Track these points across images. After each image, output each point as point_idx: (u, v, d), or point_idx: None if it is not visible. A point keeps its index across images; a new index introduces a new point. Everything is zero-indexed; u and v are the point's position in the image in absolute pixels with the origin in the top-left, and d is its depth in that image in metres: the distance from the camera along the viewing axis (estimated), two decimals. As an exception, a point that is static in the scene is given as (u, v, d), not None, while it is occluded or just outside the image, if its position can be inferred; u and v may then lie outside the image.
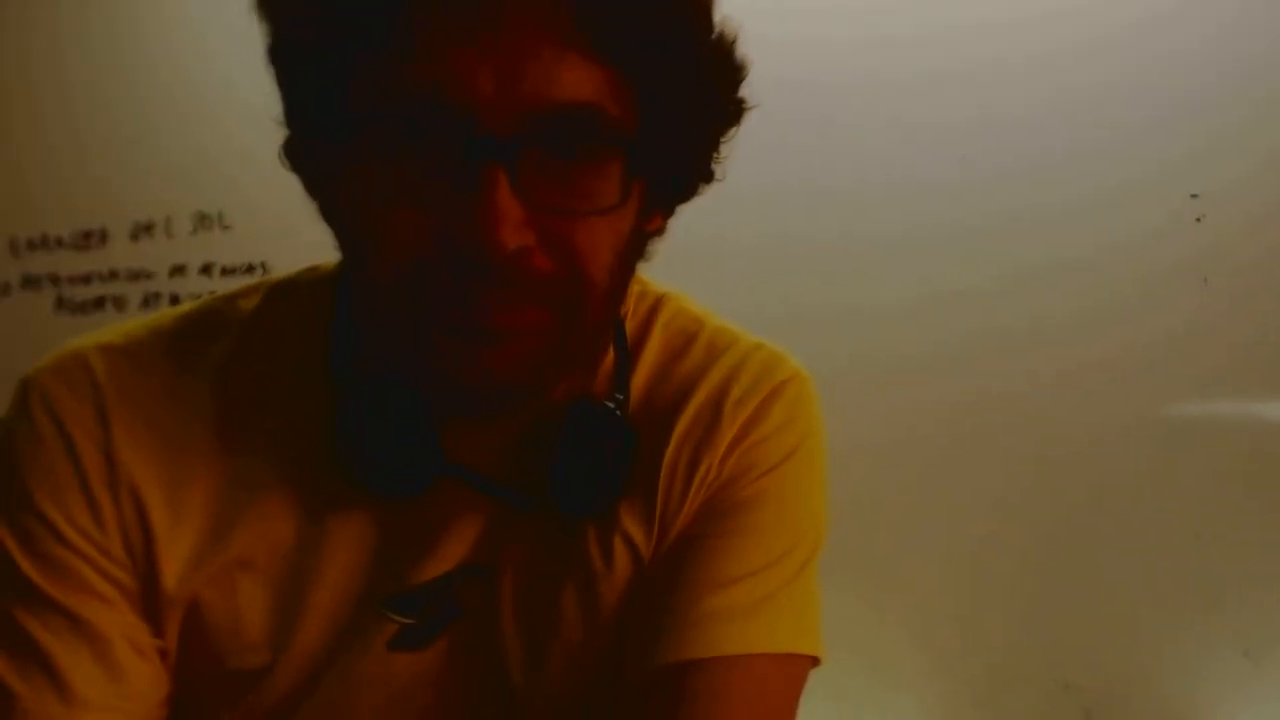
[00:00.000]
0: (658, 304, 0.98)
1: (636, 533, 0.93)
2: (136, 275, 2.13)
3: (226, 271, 2.10)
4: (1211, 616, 1.76)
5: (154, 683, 0.88)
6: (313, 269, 0.96)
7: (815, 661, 0.93)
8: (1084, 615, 1.80)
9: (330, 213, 0.86)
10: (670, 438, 0.93)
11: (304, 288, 0.95)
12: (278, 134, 0.83)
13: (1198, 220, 1.73)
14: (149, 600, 0.88)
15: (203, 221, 2.06)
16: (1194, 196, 1.73)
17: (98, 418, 0.87)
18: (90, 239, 2.13)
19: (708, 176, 0.89)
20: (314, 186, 0.86)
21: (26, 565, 0.85)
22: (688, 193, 0.89)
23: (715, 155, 0.88)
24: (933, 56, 1.84)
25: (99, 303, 2.16)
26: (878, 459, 1.77)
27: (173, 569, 0.88)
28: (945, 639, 1.83)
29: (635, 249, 0.86)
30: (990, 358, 1.79)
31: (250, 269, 2.09)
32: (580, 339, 0.83)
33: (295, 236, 1.75)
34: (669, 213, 0.90)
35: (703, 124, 0.86)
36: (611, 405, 0.92)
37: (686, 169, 0.88)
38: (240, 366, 0.90)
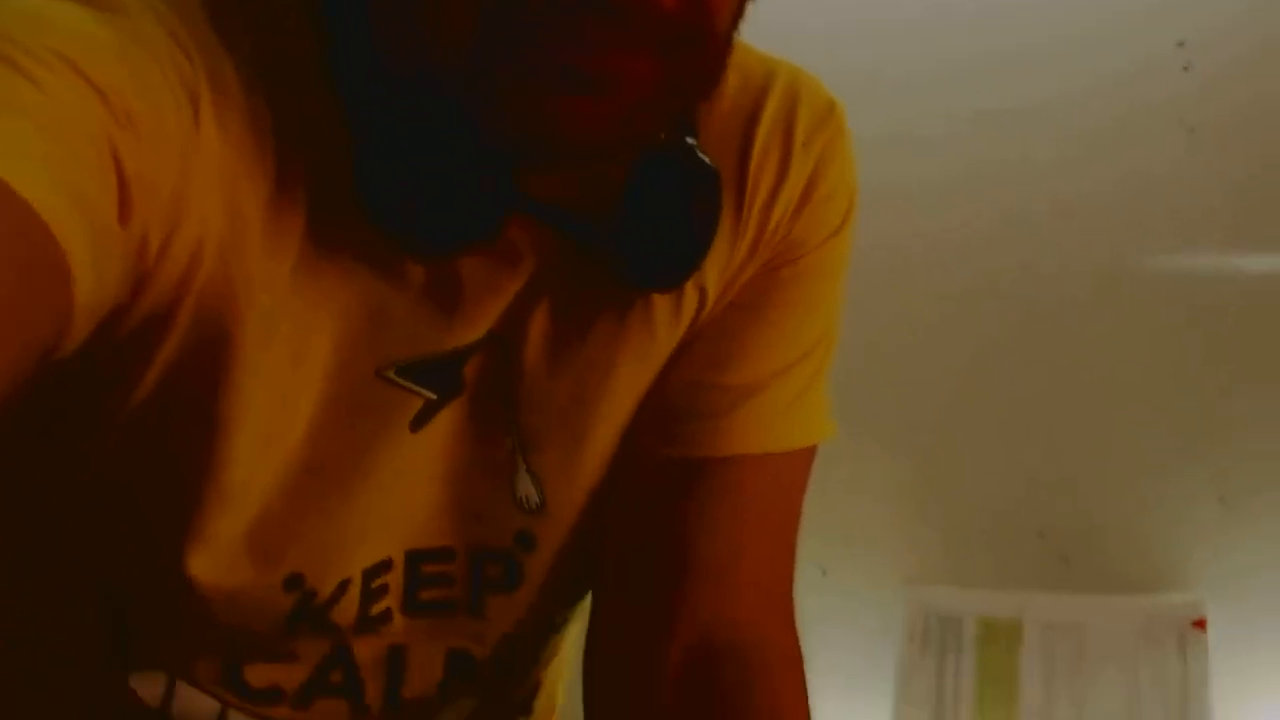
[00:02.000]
0: None
1: (712, 282, 0.84)
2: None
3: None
4: (1189, 464, 1.76)
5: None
6: None
7: None
8: (1060, 462, 1.80)
9: None
10: (745, 181, 0.83)
11: None
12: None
13: (1185, 69, 1.71)
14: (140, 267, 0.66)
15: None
16: (1180, 44, 1.71)
17: (186, 56, 0.66)
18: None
19: None
20: None
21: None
22: None
23: None
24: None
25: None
26: (857, 298, 1.76)
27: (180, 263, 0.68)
28: (919, 487, 1.84)
29: None
30: (965, 199, 1.77)
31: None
32: (689, 92, 0.72)
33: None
34: None
35: None
36: (694, 146, 0.79)
37: None
38: (240, 55, 0.70)
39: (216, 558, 0.77)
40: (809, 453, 0.89)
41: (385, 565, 0.84)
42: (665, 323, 0.84)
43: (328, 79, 0.71)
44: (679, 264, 0.80)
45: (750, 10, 0.71)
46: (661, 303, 0.83)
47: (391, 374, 0.78)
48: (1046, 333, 1.78)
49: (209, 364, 0.71)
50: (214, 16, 0.69)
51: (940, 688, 1.73)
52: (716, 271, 0.84)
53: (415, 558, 0.85)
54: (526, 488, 0.85)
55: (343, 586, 0.82)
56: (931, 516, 1.83)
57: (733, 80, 0.84)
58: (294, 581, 0.80)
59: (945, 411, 1.82)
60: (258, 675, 0.85)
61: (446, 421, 0.81)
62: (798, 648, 0.88)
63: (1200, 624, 1.71)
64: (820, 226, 0.87)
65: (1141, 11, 1.72)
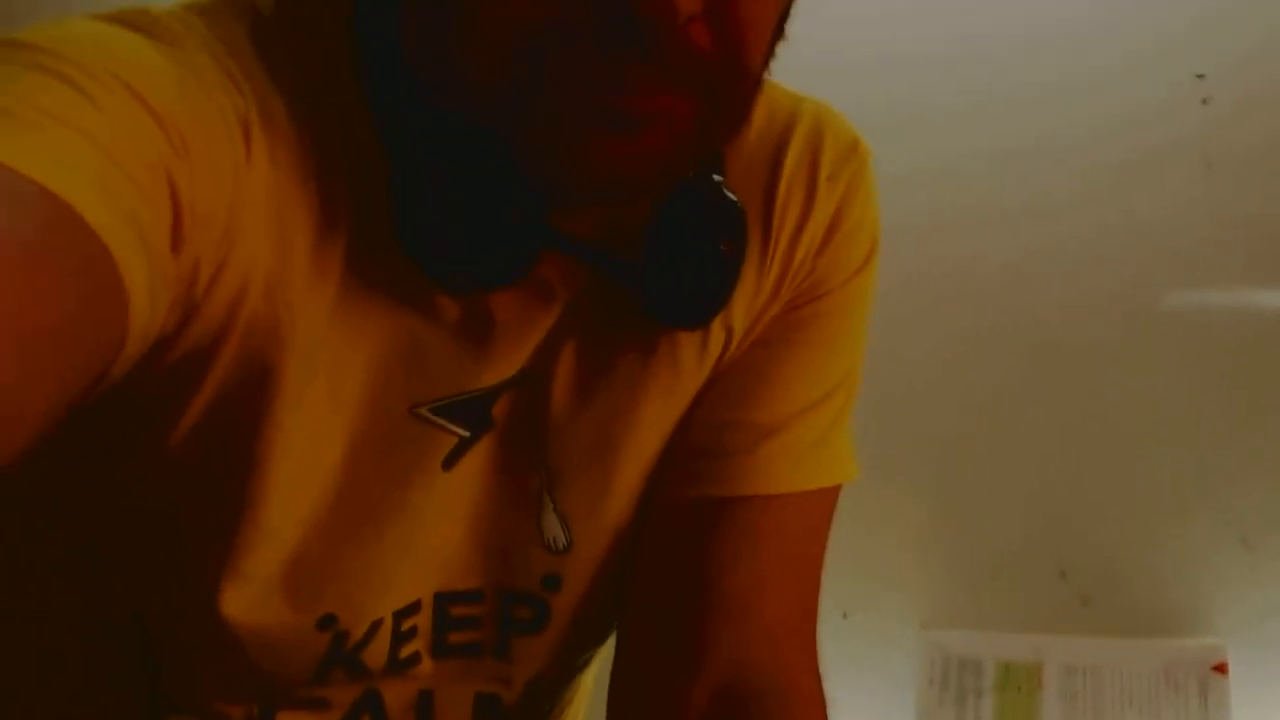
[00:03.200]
0: None
1: (738, 319, 0.84)
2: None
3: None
4: (1209, 504, 1.74)
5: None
6: None
7: None
8: (1080, 502, 1.78)
9: None
10: (770, 216, 0.84)
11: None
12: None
13: (1204, 102, 1.69)
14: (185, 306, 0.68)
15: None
16: (1200, 76, 1.69)
17: (237, 88, 0.68)
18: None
19: None
20: None
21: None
22: None
23: None
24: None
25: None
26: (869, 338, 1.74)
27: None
28: (937, 529, 1.82)
29: (783, 31, 0.73)
30: (982, 235, 1.75)
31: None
32: (721, 131, 0.73)
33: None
34: None
35: None
36: (720, 183, 0.79)
37: None
38: (285, 89, 0.70)
39: (251, 596, 0.77)
40: (833, 493, 0.89)
41: (414, 607, 0.84)
42: (691, 361, 0.84)
43: (367, 111, 0.72)
44: (705, 303, 0.81)
45: (780, 48, 0.73)
46: (688, 342, 0.83)
47: (425, 411, 0.78)
48: (1064, 371, 1.76)
49: (252, 398, 0.72)
50: (260, 49, 0.70)
51: (961, 732, 1.70)
52: (743, 309, 0.84)
53: (444, 600, 0.85)
54: (554, 528, 0.85)
55: (374, 627, 0.82)
56: (950, 558, 1.81)
57: (759, 116, 0.84)
58: (328, 621, 0.80)
59: (963, 452, 1.80)
60: None
61: (476, 460, 0.81)
62: (821, 689, 0.88)
63: (1221, 668, 1.69)
64: (845, 263, 0.88)
65: (1160, 45, 1.69)
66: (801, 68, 0.79)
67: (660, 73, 0.63)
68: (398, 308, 0.75)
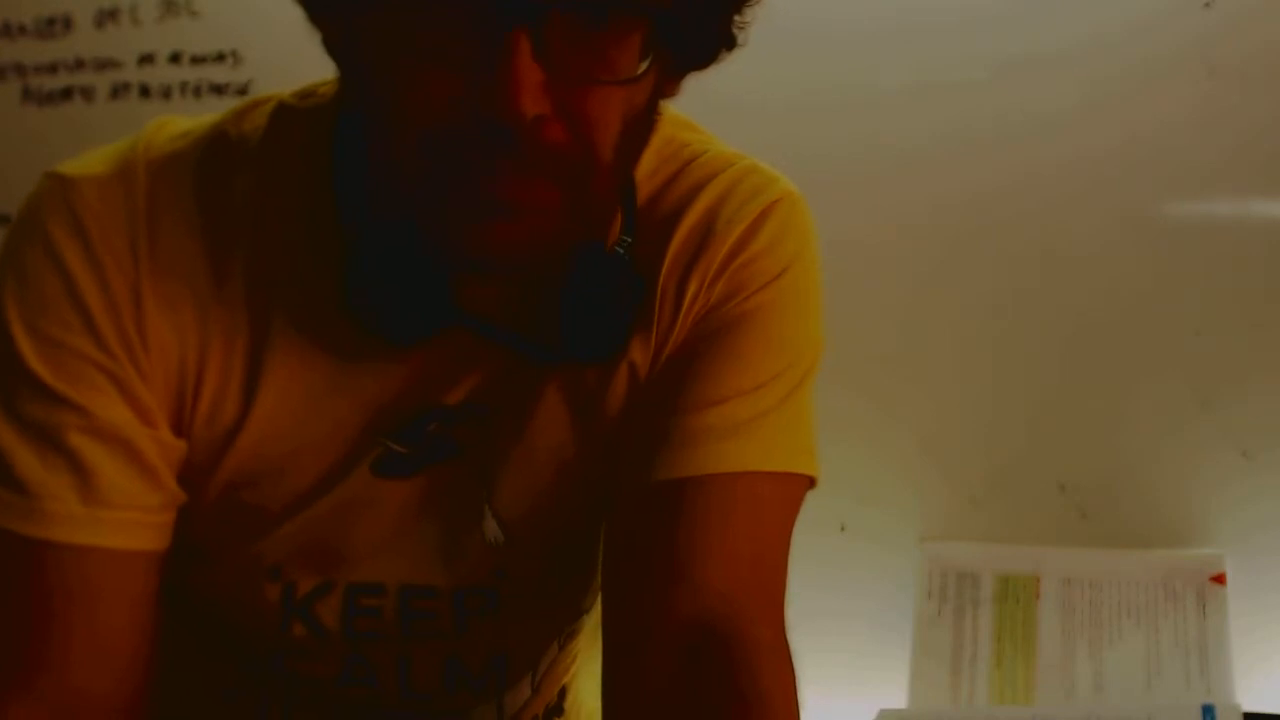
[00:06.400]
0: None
1: (639, 357, 0.95)
2: (104, 65, 2.07)
3: (197, 60, 2.02)
4: (1209, 415, 1.73)
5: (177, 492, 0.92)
6: (309, 94, 0.95)
7: (811, 483, 0.94)
8: (1080, 416, 1.78)
9: (338, 51, 0.86)
10: (664, 261, 0.95)
11: (304, 116, 0.94)
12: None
13: (1206, 6, 1.66)
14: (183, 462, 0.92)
15: (169, 8, 2.00)
16: (1205, -16, 1.66)
17: (130, 249, 0.87)
18: (54, 26, 2.08)
19: (731, 44, 0.88)
20: (322, 20, 0.85)
21: (46, 373, 0.86)
22: (709, 61, 0.89)
23: (740, 21, 0.87)
24: None
25: (66, 93, 2.10)
26: (876, 254, 1.73)
27: (202, 435, 0.92)
28: (938, 440, 1.82)
29: (647, 121, 0.88)
30: (988, 150, 1.74)
31: (221, 57, 2.01)
32: (590, 214, 0.85)
33: (267, 21, 1.69)
34: (683, 78, 0.90)
35: None
36: (621, 250, 0.93)
37: (711, 38, 0.87)
38: (260, 203, 0.91)
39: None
40: (786, 481, 0.94)
41: (378, 589, 0.99)
42: (601, 390, 0.96)
43: (334, 203, 0.91)
44: (600, 350, 0.94)
45: (642, 143, 0.89)
46: (592, 373, 0.96)
47: (377, 434, 0.94)
48: (1064, 283, 1.75)
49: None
50: (205, 177, 0.91)
51: (958, 643, 1.71)
52: (640, 352, 0.95)
53: (407, 592, 1.00)
54: (493, 530, 0.98)
55: (325, 587, 0.98)
56: (949, 471, 1.81)
57: (689, 177, 0.97)
58: (275, 573, 0.97)
59: (963, 365, 1.79)
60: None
61: (428, 475, 0.97)
62: (779, 638, 0.92)
63: (1220, 578, 1.70)
64: (749, 281, 0.96)
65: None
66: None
67: (524, 166, 0.77)
68: (361, 375, 0.93)
